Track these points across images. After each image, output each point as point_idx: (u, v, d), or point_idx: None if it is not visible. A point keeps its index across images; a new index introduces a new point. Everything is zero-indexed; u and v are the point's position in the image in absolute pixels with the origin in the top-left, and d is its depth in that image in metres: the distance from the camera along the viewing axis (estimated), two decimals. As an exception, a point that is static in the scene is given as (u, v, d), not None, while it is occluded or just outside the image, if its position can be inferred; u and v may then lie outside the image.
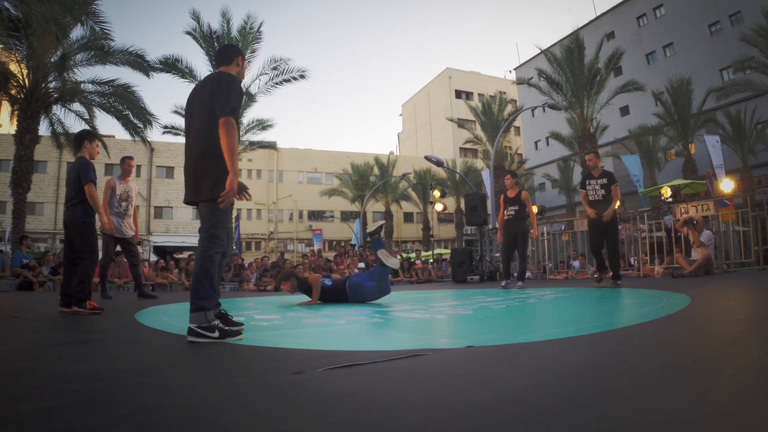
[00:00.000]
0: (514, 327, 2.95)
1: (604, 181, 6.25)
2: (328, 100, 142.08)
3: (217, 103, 2.49)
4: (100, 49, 12.88)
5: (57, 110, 14.03)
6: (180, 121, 20.54)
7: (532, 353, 1.94)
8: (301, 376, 1.55)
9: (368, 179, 31.17)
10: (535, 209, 12.16)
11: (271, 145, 21.90)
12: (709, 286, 5.15)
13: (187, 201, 2.64)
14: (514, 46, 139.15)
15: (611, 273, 6.28)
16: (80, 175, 4.02)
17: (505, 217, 6.93)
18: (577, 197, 24.79)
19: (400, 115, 51.08)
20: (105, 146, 13.99)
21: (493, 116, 25.49)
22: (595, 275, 6.63)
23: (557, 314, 3.61)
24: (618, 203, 6.30)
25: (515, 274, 7.14)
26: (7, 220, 17.15)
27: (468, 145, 31.02)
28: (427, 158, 15.18)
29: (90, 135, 4.43)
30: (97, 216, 4.16)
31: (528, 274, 11.48)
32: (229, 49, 2.83)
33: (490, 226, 11.89)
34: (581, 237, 10.78)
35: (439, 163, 15.20)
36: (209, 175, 2.50)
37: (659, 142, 24.04)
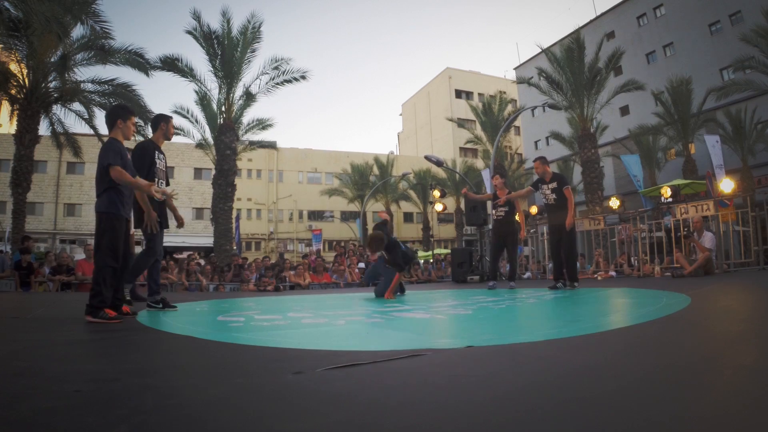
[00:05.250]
0: (514, 327, 2.95)
1: (555, 185, 6.06)
2: (328, 100, 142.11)
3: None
4: (101, 49, 12.87)
5: (57, 110, 14.04)
6: (180, 121, 20.50)
7: (532, 353, 1.94)
8: (301, 376, 1.55)
9: (368, 179, 31.16)
10: (534, 210, 12.18)
11: (271, 145, 21.91)
12: (709, 286, 5.15)
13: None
14: (514, 46, 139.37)
15: (567, 277, 6.12)
16: (100, 159, 3.36)
17: (495, 218, 6.86)
18: (577, 198, 24.76)
19: (400, 115, 51.09)
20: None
21: (493, 116, 25.46)
22: (557, 285, 6.07)
23: (557, 314, 3.61)
24: (573, 210, 6.05)
25: (504, 277, 7.12)
26: (7, 220, 17.14)
27: (468, 145, 31.02)
28: (427, 158, 15.16)
29: (125, 112, 3.65)
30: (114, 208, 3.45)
31: (528, 274, 11.50)
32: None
33: (490, 226, 11.90)
34: (581, 237, 10.78)
35: (439, 163, 15.18)
36: None
37: (659, 141, 24.00)
